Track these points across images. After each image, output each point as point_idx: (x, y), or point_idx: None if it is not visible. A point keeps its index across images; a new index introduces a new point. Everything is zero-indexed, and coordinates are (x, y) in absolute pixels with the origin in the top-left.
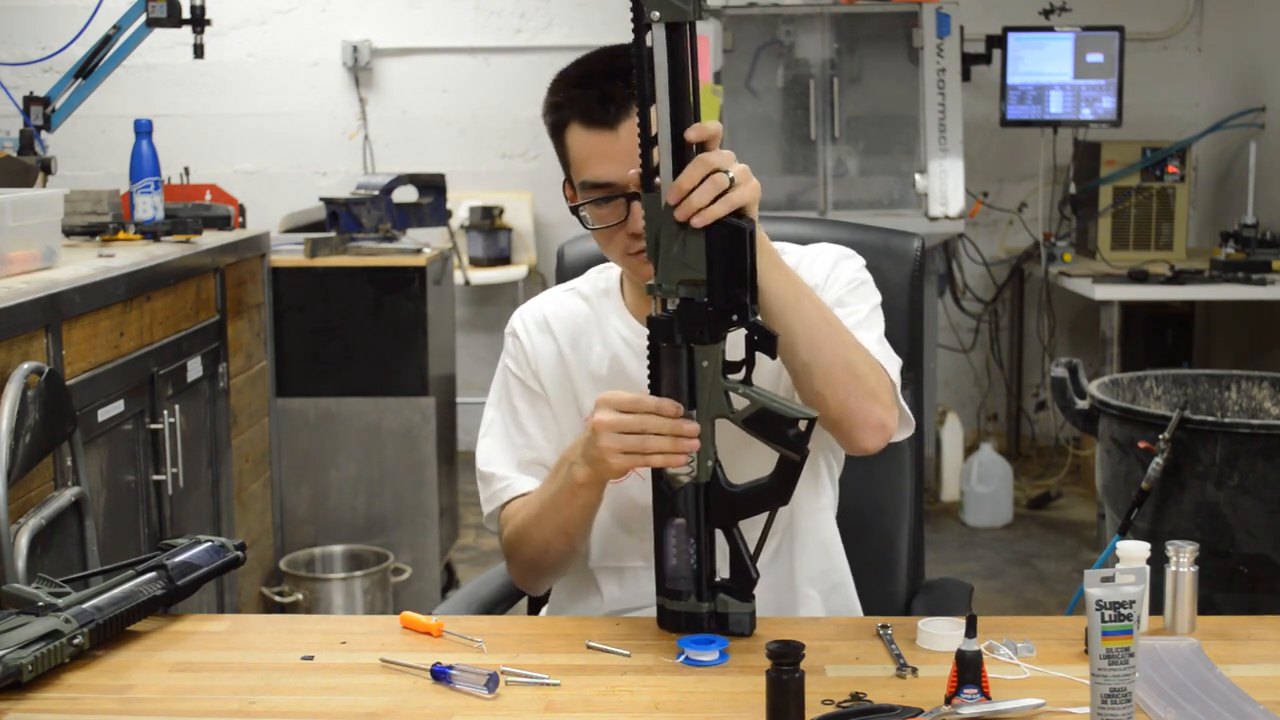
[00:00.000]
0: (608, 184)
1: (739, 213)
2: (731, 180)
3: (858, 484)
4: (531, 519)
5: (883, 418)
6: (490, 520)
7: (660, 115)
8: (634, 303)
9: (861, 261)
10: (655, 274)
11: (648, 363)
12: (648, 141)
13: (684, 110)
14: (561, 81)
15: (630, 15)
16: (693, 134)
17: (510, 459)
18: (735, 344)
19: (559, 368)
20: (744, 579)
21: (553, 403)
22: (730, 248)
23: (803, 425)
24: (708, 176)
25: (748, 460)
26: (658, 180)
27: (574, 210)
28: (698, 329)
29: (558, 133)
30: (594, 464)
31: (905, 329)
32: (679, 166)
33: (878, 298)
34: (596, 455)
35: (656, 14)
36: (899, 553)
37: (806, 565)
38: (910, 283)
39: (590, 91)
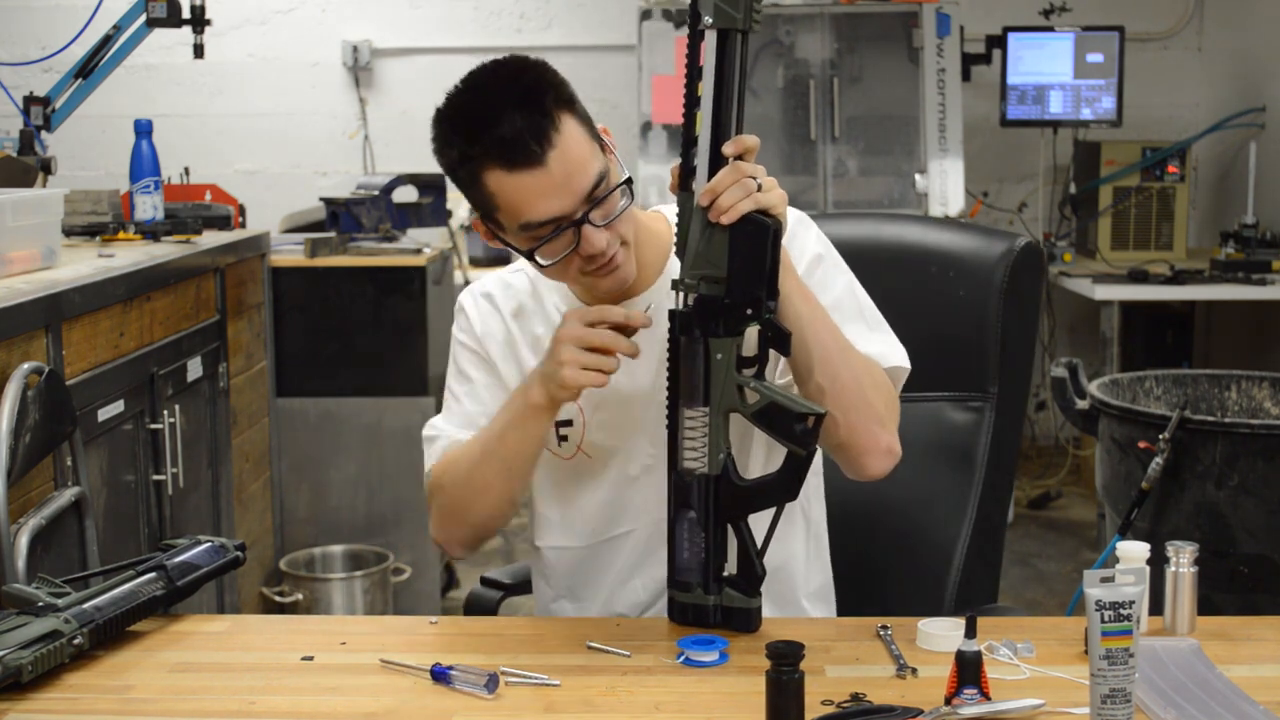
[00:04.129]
0: (554, 219)
1: (765, 214)
2: (759, 186)
3: (920, 499)
4: (472, 457)
5: (890, 444)
6: (429, 479)
7: (704, 118)
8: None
9: (817, 229)
10: (682, 269)
11: (667, 356)
12: (688, 142)
13: (727, 115)
14: (461, 124)
15: (688, 20)
16: (729, 148)
17: (458, 423)
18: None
19: (505, 339)
20: (750, 574)
21: (502, 373)
22: (752, 244)
23: (810, 421)
24: (739, 180)
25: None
26: (693, 181)
27: (528, 255)
28: (713, 322)
29: (472, 180)
30: (548, 379)
31: (997, 341)
32: (715, 170)
33: (848, 271)
34: (553, 370)
35: (709, 19)
36: (950, 574)
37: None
38: (1003, 290)
39: (504, 130)
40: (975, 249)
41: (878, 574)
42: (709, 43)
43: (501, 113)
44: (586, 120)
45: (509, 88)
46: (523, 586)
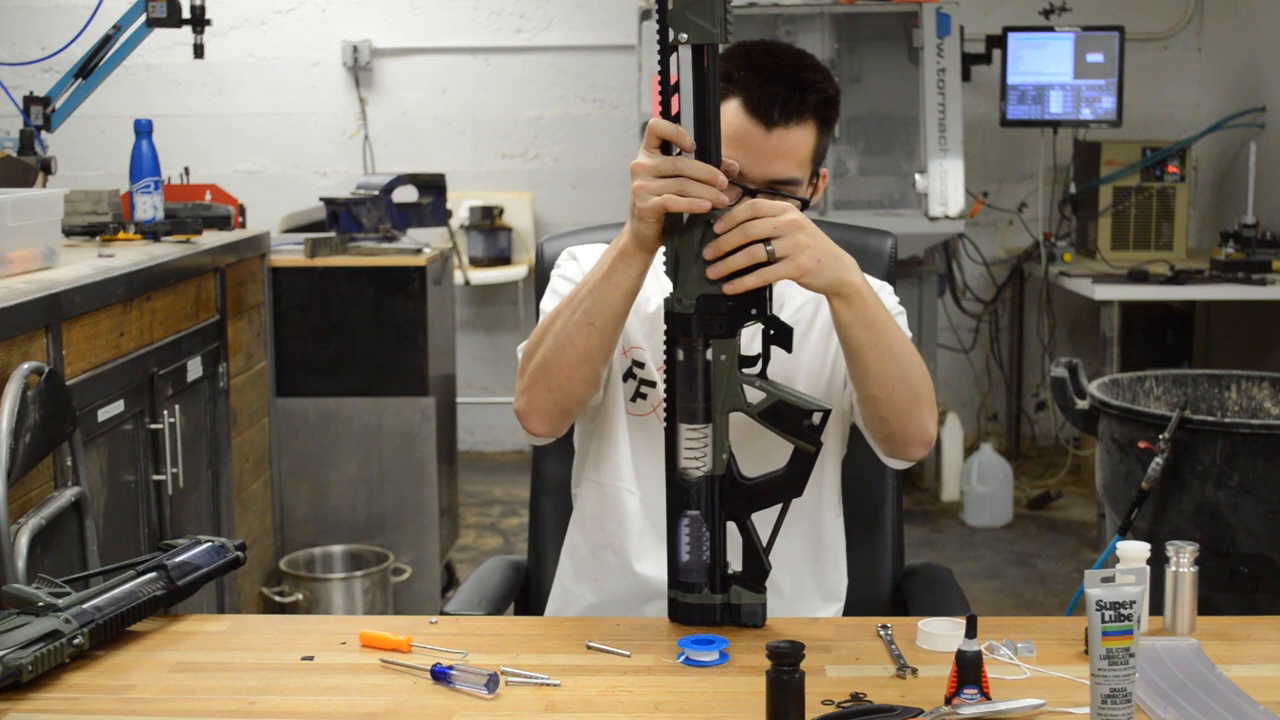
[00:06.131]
0: (739, 173)
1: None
2: (770, 253)
3: (843, 472)
4: (559, 314)
5: (932, 435)
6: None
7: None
8: None
9: (894, 294)
10: (674, 289)
11: (664, 355)
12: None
13: (708, 131)
14: (744, 59)
15: (657, 38)
16: (720, 226)
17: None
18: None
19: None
20: (757, 570)
21: None
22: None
23: (817, 418)
24: (745, 246)
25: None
26: None
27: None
28: (716, 324)
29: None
30: (631, 218)
31: None
32: None
33: (909, 332)
34: (632, 205)
35: (685, 36)
36: (884, 542)
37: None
38: (886, 279)
39: (769, 85)
40: (864, 245)
41: None
42: (684, 58)
43: (782, 77)
44: (823, 146)
45: (802, 72)
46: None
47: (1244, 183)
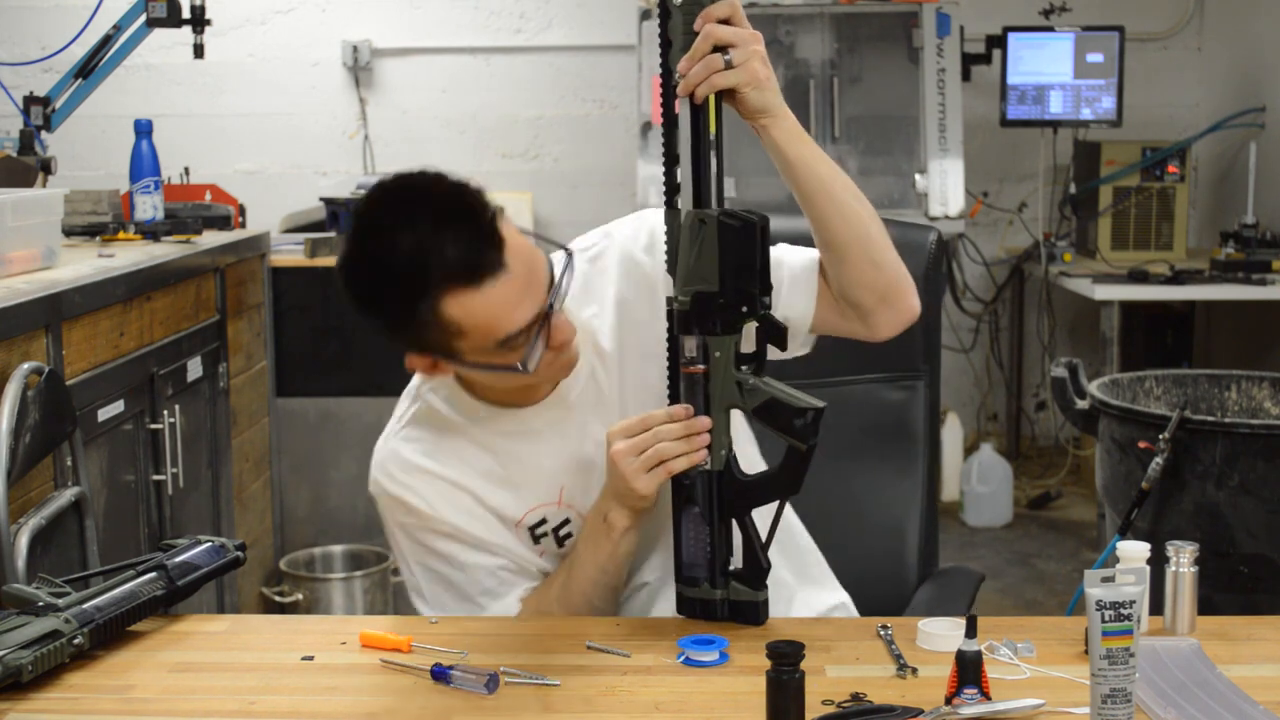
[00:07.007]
0: (531, 320)
1: (749, 212)
2: (728, 63)
3: (870, 474)
4: (576, 595)
5: (910, 280)
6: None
7: (683, 136)
8: (483, 386)
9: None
10: (674, 286)
11: (666, 358)
12: (670, 159)
13: (704, 135)
14: (399, 263)
15: (659, 41)
16: (699, 24)
17: (467, 593)
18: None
19: (450, 492)
20: (755, 568)
21: (464, 528)
22: (741, 241)
23: (809, 415)
24: (705, 56)
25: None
26: (678, 198)
27: (512, 369)
28: (709, 321)
29: (430, 314)
30: (624, 497)
31: (921, 324)
32: (699, 184)
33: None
34: (624, 487)
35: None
36: (909, 543)
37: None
38: (925, 276)
39: (453, 249)
40: (905, 240)
41: (837, 564)
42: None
43: (440, 233)
44: (501, 209)
45: (428, 208)
46: None
47: (1244, 183)
